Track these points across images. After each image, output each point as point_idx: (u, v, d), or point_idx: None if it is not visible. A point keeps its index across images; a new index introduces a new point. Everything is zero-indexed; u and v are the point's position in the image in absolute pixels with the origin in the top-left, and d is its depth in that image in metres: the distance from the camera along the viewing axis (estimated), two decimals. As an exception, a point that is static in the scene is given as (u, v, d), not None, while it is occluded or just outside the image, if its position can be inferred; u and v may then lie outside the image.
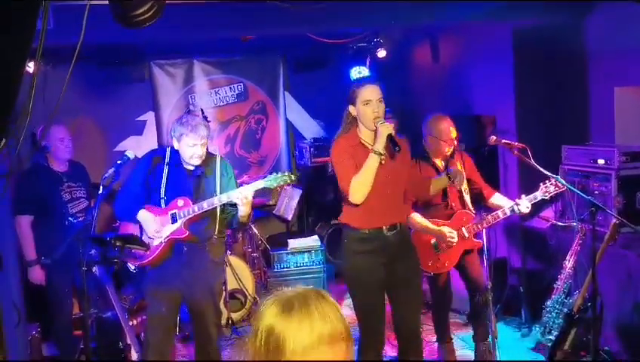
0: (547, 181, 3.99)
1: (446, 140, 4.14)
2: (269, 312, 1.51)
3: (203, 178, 3.71)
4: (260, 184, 3.56)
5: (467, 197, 4.25)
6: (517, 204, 4.02)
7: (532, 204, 4.04)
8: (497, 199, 4.28)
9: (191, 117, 3.66)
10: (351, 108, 3.54)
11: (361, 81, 3.67)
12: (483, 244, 3.96)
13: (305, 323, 1.47)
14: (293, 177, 3.59)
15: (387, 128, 3.37)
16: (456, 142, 4.21)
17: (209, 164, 3.74)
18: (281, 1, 3.53)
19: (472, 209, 4.27)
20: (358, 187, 3.39)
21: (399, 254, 3.56)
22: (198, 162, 3.64)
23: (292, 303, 1.50)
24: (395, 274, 3.55)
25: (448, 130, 4.15)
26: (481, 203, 4.37)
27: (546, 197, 4.04)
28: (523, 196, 4.06)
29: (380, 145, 3.37)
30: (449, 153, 4.23)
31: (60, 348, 4.64)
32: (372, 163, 3.38)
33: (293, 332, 1.46)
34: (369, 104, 3.45)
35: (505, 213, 4.08)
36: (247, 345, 1.55)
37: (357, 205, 3.43)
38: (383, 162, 3.42)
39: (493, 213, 4.11)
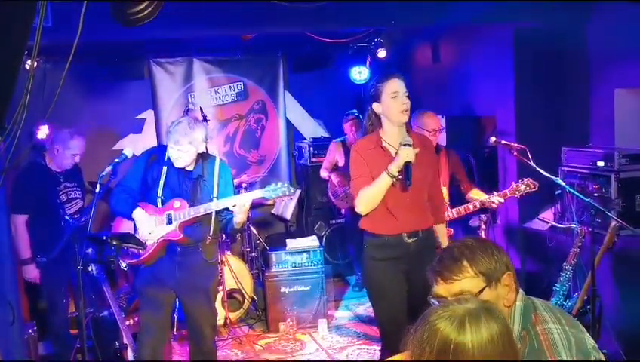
0: (520, 180, 4.15)
1: (429, 131, 4.33)
2: (442, 327, 1.46)
3: (201, 180, 3.67)
4: (258, 193, 3.54)
5: (444, 189, 4.35)
6: (489, 197, 4.22)
7: (531, 206, 4.10)
8: (474, 193, 4.49)
9: (181, 124, 3.54)
10: (375, 105, 3.34)
11: (386, 75, 3.38)
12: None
13: (483, 335, 1.43)
14: (292, 189, 3.55)
15: (407, 155, 3.18)
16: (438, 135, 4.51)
17: (207, 167, 3.70)
18: (281, 0, 3.51)
19: (446, 199, 4.44)
20: (365, 201, 3.29)
21: (420, 263, 3.28)
22: (180, 165, 3.59)
23: (463, 318, 1.45)
24: (414, 284, 3.37)
25: (432, 123, 4.40)
26: (462, 197, 4.60)
27: (516, 196, 4.19)
28: (494, 193, 4.26)
29: (396, 168, 3.20)
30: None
31: (56, 347, 4.62)
32: (383, 182, 3.23)
33: (475, 342, 1.42)
34: (397, 97, 3.27)
35: (475, 206, 4.29)
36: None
37: (377, 211, 3.32)
38: (394, 185, 3.28)
39: (465, 205, 4.33)
